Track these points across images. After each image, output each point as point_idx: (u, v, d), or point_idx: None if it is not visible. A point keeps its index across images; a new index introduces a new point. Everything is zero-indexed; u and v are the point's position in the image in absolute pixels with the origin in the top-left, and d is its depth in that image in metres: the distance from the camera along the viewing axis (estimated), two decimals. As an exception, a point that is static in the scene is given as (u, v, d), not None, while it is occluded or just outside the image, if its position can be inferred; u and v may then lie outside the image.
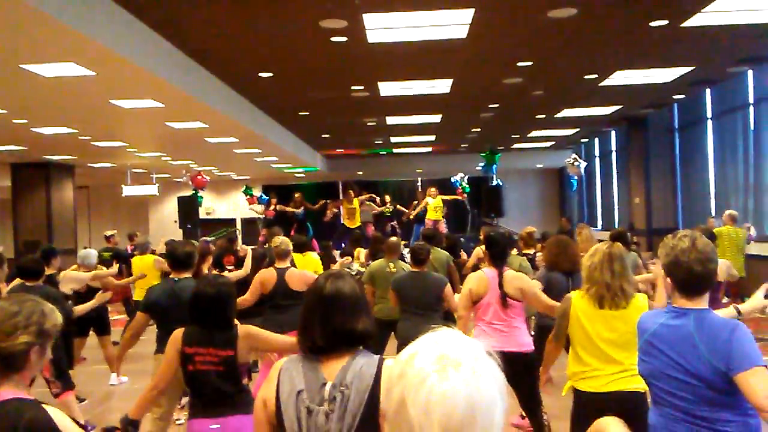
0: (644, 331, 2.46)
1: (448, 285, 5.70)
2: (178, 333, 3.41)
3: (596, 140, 21.78)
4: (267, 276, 5.73)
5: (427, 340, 1.11)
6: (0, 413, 1.87)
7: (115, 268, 8.78)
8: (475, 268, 6.89)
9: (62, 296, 5.80)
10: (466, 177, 17.06)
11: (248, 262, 7.08)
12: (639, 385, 3.40)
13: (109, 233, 12.54)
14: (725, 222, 10.16)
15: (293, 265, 6.31)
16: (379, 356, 2.06)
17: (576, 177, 17.20)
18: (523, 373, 4.65)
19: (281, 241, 5.95)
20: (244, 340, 3.40)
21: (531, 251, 7.46)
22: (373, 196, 16.75)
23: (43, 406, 1.94)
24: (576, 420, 3.54)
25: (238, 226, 25.25)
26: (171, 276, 4.66)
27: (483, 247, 5.48)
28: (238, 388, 3.40)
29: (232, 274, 7.43)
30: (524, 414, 5.61)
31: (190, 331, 3.39)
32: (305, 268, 7.19)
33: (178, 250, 4.66)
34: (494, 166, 16.22)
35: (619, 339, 3.35)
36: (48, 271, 6.63)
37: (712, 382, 2.32)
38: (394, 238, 7.05)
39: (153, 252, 10.36)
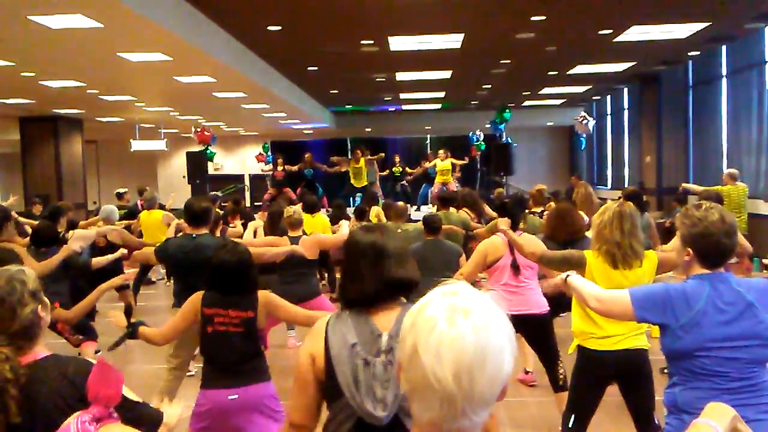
0: (692, 304, 2.40)
1: (463, 256, 5.77)
2: (198, 295, 3.44)
3: (608, 98, 21.50)
4: (281, 244, 5.73)
5: (437, 292, 1.14)
6: (45, 366, 1.96)
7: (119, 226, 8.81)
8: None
9: (86, 258, 5.80)
10: (482, 135, 16.96)
11: (250, 234, 6.97)
12: (644, 342, 3.44)
13: (121, 190, 12.60)
14: (725, 182, 10.12)
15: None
16: None
17: (585, 135, 17.05)
18: (541, 333, 4.70)
19: (294, 210, 5.95)
20: (264, 305, 3.42)
21: (540, 209, 7.46)
22: (382, 155, 16.62)
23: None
24: (580, 375, 3.57)
25: (246, 182, 25.27)
26: (188, 232, 4.69)
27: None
28: (256, 352, 3.42)
29: (233, 231, 7.47)
30: (527, 369, 5.69)
31: (211, 294, 3.41)
32: (314, 229, 7.22)
33: (194, 205, 4.66)
34: (504, 124, 16.09)
35: None
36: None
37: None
38: (400, 203, 7.11)
39: (162, 207, 10.42)
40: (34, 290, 2.04)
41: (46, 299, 2.09)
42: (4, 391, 1.86)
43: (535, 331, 4.70)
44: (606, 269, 3.41)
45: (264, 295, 3.47)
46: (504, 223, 4.47)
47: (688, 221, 2.48)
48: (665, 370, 5.57)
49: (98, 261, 5.70)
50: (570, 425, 3.49)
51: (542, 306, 4.73)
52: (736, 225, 2.49)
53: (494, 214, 8.26)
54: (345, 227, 6.20)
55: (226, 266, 3.36)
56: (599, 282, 3.40)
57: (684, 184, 11.15)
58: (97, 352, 6.81)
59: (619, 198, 5.82)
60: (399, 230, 6.49)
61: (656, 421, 3.44)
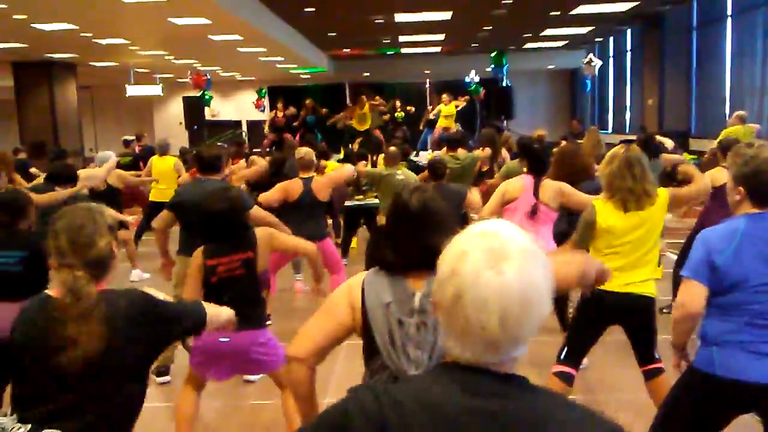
0: (728, 243, 2.42)
1: (469, 193, 5.71)
2: (198, 251, 3.43)
3: (611, 39, 21.17)
4: (294, 185, 5.69)
5: (473, 234, 1.13)
6: (107, 298, 1.99)
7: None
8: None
9: (85, 196, 5.81)
10: (477, 78, 16.71)
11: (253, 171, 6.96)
12: (652, 290, 3.44)
13: (129, 138, 12.49)
14: (733, 123, 10.01)
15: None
16: None
17: (590, 77, 16.84)
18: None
19: (305, 152, 5.88)
20: (263, 241, 3.43)
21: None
22: (384, 104, 16.35)
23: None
24: (583, 312, 3.58)
25: (244, 128, 25.05)
26: (198, 178, 4.67)
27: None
28: (257, 298, 3.44)
29: (236, 166, 7.40)
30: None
31: (210, 245, 3.40)
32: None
33: (205, 153, 4.68)
34: (504, 67, 15.86)
35: (645, 235, 3.38)
36: None
37: None
38: (393, 148, 7.01)
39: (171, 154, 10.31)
40: (111, 224, 2.09)
41: (119, 236, 2.15)
42: (90, 314, 1.91)
43: None
44: (617, 212, 3.39)
45: (262, 231, 3.48)
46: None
47: (739, 159, 2.48)
48: (664, 310, 5.64)
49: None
50: (563, 357, 3.52)
51: (554, 250, 4.70)
52: None
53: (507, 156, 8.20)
54: (348, 167, 6.22)
55: (219, 213, 3.34)
56: (610, 225, 3.38)
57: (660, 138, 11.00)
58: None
59: (627, 143, 5.74)
60: (397, 177, 6.41)
61: (657, 356, 3.48)
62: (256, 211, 4.45)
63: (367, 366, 1.96)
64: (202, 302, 2.34)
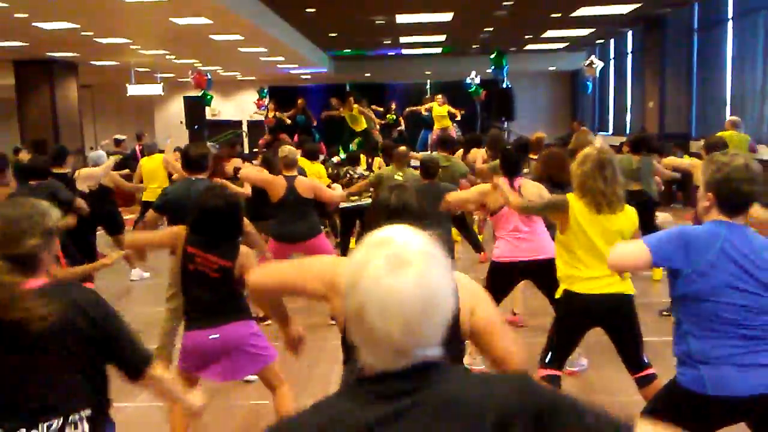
0: (708, 248, 2.38)
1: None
2: (182, 228, 3.43)
3: (612, 41, 21.15)
4: (277, 182, 5.70)
5: (371, 244, 1.13)
6: (48, 291, 2.01)
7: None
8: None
9: (71, 194, 5.80)
10: (478, 79, 16.67)
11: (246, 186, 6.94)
12: (630, 288, 3.44)
13: (120, 137, 12.50)
14: (727, 128, 10.00)
15: (302, 173, 6.35)
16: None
17: (591, 79, 16.82)
18: (553, 277, 4.67)
19: (288, 150, 5.93)
20: (241, 259, 3.38)
21: (536, 157, 7.38)
22: (378, 108, 16.29)
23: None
24: (563, 317, 3.57)
25: (244, 128, 25.02)
26: (187, 177, 4.69)
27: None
28: (234, 293, 3.41)
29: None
30: (515, 311, 5.70)
31: (194, 236, 3.38)
32: (311, 176, 7.21)
33: (191, 151, 4.73)
34: (504, 68, 15.83)
35: (614, 241, 3.34)
36: (62, 171, 6.63)
37: None
38: (402, 148, 7.07)
39: (161, 152, 10.33)
40: (50, 229, 2.07)
41: (56, 245, 2.12)
42: (15, 303, 1.91)
43: (546, 276, 4.68)
44: (590, 213, 3.39)
45: (245, 251, 3.44)
46: (500, 178, 4.44)
47: (713, 166, 2.47)
48: (664, 313, 5.63)
49: (81, 203, 5.74)
50: (547, 361, 3.51)
51: (552, 251, 4.70)
52: (760, 174, 2.46)
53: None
54: (339, 190, 6.29)
55: (213, 209, 3.31)
56: (583, 225, 3.40)
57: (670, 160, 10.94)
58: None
59: (622, 144, 5.74)
60: (397, 176, 6.43)
61: (645, 360, 3.47)
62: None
63: (346, 364, 1.95)
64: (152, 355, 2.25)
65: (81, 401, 2.04)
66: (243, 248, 3.44)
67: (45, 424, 1.98)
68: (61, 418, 2.00)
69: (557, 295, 3.66)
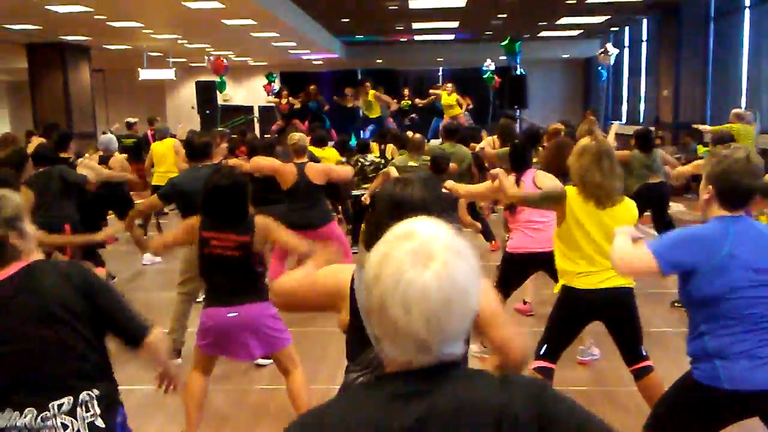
0: (720, 246, 2.34)
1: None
2: (195, 219, 3.46)
3: (626, 29, 20.96)
4: (287, 170, 5.69)
5: (394, 237, 1.12)
6: (40, 269, 2.06)
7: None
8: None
9: (81, 175, 5.79)
10: (493, 65, 16.58)
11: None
12: (629, 281, 3.39)
13: (132, 120, 12.52)
14: (731, 121, 9.89)
15: (314, 159, 6.34)
16: None
17: (606, 67, 16.66)
18: None
19: (298, 137, 5.90)
20: (261, 231, 3.42)
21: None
22: (388, 101, 16.21)
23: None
24: (561, 311, 3.54)
25: (256, 113, 25.01)
26: (193, 165, 4.73)
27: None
28: (253, 274, 3.44)
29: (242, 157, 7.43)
30: (525, 300, 5.70)
31: (207, 219, 3.41)
32: (325, 162, 7.21)
33: (195, 140, 4.81)
34: (516, 55, 15.72)
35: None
36: (65, 155, 6.63)
37: None
38: (418, 136, 7.05)
39: (173, 136, 10.35)
40: (9, 217, 2.07)
41: (27, 229, 2.12)
42: None
43: None
44: (588, 206, 3.35)
45: (262, 221, 3.47)
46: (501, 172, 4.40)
47: (712, 159, 2.45)
48: (676, 303, 5.59)
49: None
50: (541, 353, 3.49)
51: None
52: (762, 168, 2.43)
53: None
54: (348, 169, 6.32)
55: (221, 188, 3.35)
56: (581, 218, 3.36)
57: (696, 125, 10.91)
58: (112, 278, 6.90)
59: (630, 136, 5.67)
60: (409, 166, 6.40)
61: (643, 353, 3.45)
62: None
63: (352, 361, 1.93)
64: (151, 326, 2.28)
65: (89, 380, 2.07)
66: (259, 219, 3.46)
67: (56, 403, 2.00)
68: (71, 398, 2.02)
69: (555, 290, 3.64)
